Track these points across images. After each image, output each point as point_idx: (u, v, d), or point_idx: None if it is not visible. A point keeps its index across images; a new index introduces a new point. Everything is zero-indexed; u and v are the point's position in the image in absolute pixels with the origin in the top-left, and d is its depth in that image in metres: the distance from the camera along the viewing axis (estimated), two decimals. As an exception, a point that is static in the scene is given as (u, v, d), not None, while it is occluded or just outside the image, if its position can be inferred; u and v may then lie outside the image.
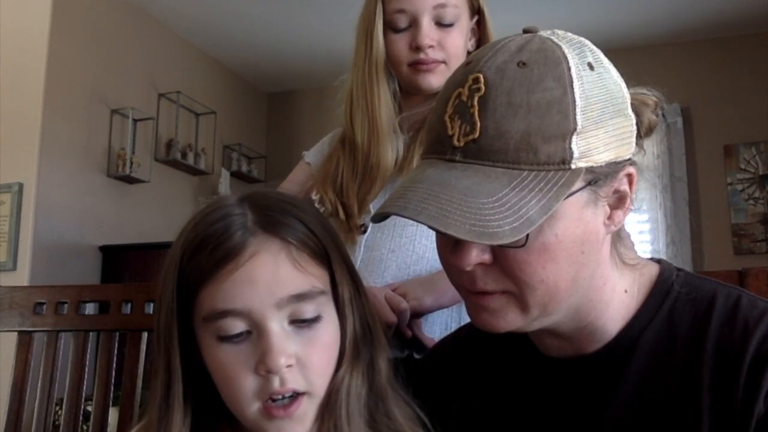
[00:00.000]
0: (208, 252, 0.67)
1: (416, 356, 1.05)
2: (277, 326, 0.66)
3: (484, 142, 0.59)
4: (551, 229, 0.60)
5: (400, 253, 1.12)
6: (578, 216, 0.62)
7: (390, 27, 1.16)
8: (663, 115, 0.72)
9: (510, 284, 0.63)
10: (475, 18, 1.20)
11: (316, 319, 0.68)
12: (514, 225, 0.56)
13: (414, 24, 1.14)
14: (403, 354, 1.04)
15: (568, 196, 0.59)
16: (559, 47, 0.62)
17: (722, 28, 4.22)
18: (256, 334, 0.66)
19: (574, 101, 0.59)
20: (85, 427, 1.58)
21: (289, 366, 0.66)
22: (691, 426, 0.63)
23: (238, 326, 0.66)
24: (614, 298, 0.69)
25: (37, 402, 1.30)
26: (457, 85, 0.63)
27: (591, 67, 0.62)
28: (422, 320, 1.07)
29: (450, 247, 0.64)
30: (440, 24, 1.14)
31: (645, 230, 4.20)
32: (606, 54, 0.66)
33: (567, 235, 0.61)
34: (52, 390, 1.30)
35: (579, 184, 0.60)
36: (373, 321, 0.75)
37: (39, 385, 1.30)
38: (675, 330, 0.68)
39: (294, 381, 0.66)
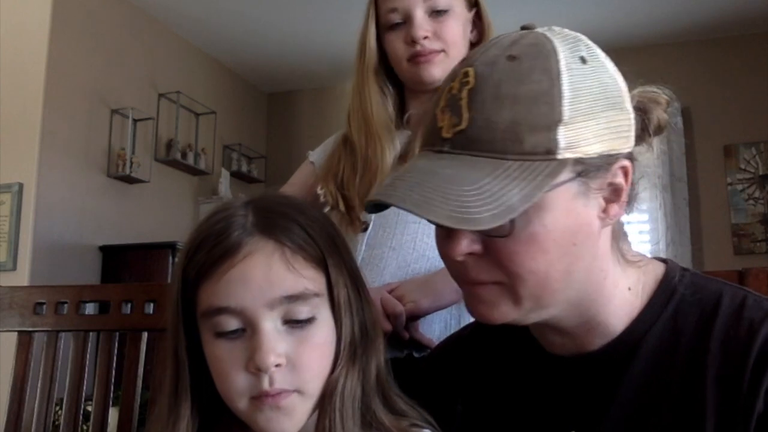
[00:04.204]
0: (207, 250, 0.69)
1: (416, 355, 1.05)
2: (269, 325, 0.67)
3: (471, 132, 0.60)
4: (539, 220, 0.61)
5: (401, 251, 1.12)
6: (568, 207, 0.62)
7: (386, 27, 1.18)
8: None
9: (501, 275, 0.63)
10: (474, 10, 1.22)
11: (310, 321, 0.69)
12: (494, 212, 0.57)
13: (407, 19, 1.16)
14: (402, 354, 1.04)
15: (554, 187, 0.59)
16: (551, 41, 0.63)
17: (722, 28, 4.22)
18: (250, 332, 0.68)
19: (561, 93, 0.60)
20: (85, 427, 1.58)
21: (278, 365, 0.67)
22: (694, 424, 0.63)
23: (232, 323, 0.68)
24: (616, 295, 0.69)
25: (37, 402, 1.29)
26: (450, 79, 0.65)
27: (583, 60, 0.62)
28: (421, 320, 1.06)
29: (443, 237, 0.65)
30: (434, 14, 1.15)
31: (645, 230, 4.19)
32: (606, 53, 0.66)
33: (556, 226, 0.61)
34: (52, 390, 1.30)
35: (567, 174, 0.61)
36: (372, 325, 0.76)
37: (39, 385, 1.30)
38: (680, 330, 0.68)
39: (283, 381, 0.67)
